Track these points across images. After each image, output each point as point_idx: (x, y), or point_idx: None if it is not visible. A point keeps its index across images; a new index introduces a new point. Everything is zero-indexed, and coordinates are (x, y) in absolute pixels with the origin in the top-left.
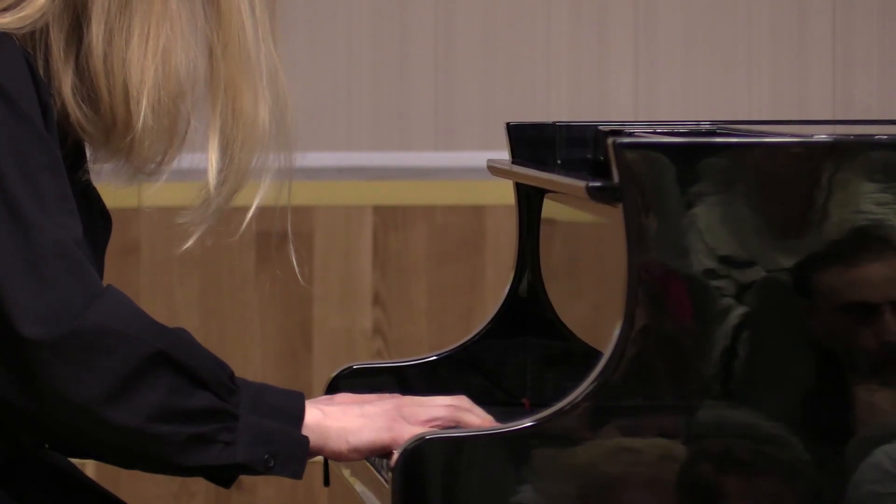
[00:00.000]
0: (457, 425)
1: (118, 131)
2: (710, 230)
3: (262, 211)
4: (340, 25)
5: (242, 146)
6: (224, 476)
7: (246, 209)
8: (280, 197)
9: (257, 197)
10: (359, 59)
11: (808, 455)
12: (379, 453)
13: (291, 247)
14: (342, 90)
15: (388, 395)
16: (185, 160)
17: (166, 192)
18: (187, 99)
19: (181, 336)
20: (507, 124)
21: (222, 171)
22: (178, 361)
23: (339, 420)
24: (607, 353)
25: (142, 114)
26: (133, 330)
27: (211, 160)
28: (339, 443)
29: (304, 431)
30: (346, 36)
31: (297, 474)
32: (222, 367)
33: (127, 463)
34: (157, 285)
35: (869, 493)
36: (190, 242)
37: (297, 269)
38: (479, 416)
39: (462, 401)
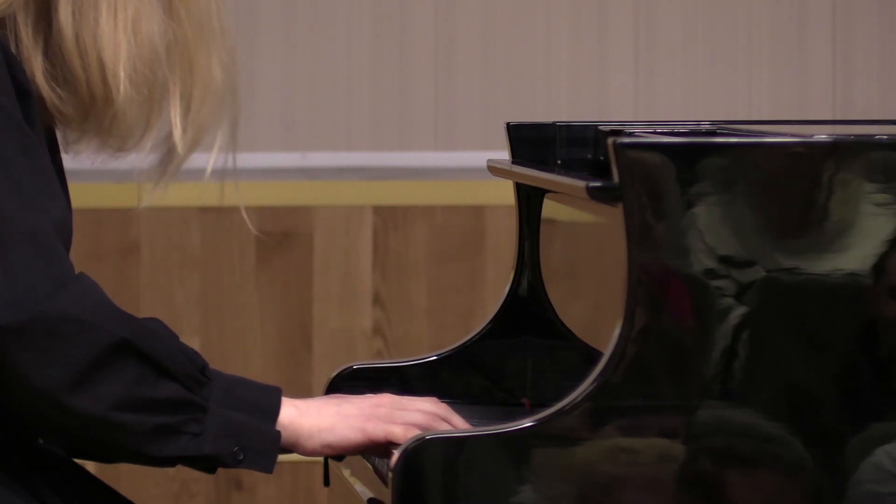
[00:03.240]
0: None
1: (98, 108)
2: (710, 230)
3: (262, 211)
4: (340, 25)
5: (202, 103)
6: (199, 466)
7: (241, 209)
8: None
9: (211, 158)
10: (359, 58)
11: (808, 455)
12: (354, 452)
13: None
14: (342, 90)
15: (375, 395)
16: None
17: (166, 192)
18: (162, 64)
19: (149, 326)
20: (507, 124)
21: (185, 127)
22: (143, 351)
23: (312, 417)
24: (607, 353)
25: (121, 87)
26: (96, 318)
27: (174, 119)
28: (311, 441)
29: (278, 428)
30: (346, 36)
31: (266, 468)
32: (192, 359)
33: (97, 454)
34: (157, 285)
35: (869, 492)
36: (146, 202)
37: (247, 218)
38: (456, 424)
39: (439, 407)
